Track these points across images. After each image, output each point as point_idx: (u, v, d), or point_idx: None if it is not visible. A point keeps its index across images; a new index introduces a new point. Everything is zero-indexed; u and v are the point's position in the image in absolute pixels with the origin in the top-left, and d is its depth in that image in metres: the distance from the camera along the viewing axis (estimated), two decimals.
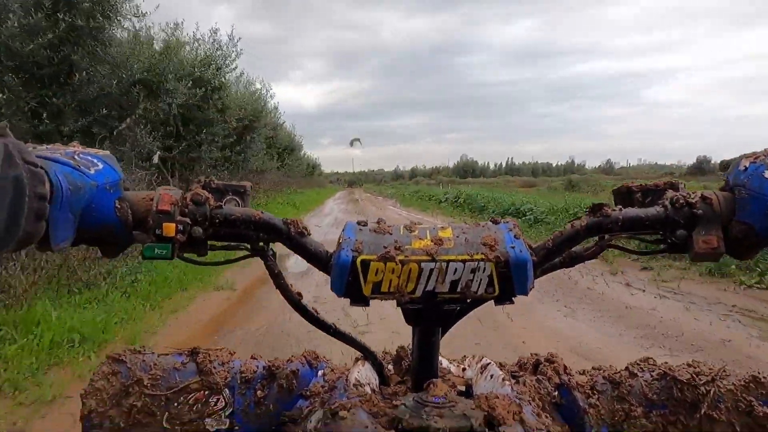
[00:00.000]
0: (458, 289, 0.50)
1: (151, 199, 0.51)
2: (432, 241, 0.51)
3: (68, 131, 5.87)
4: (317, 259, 0.56)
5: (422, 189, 28.42)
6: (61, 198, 0.41)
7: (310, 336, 3.13)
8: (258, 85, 15.02)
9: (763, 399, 0.60)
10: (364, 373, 0.64)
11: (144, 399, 0.63)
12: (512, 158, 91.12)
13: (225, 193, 0.59)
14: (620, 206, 0.56)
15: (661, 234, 0.56)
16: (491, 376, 0.62)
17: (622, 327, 3.80)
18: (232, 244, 0.59)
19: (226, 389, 0.66)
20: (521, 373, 0.70)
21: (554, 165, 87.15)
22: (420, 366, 0.60)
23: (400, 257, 0.49)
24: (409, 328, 0.60)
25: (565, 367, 0.68)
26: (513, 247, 0.51)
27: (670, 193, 0.55)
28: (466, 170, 72.13)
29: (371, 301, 0.51)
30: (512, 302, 0.52)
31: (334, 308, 3.62)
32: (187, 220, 0.51)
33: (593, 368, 0.70)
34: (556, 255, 0.56)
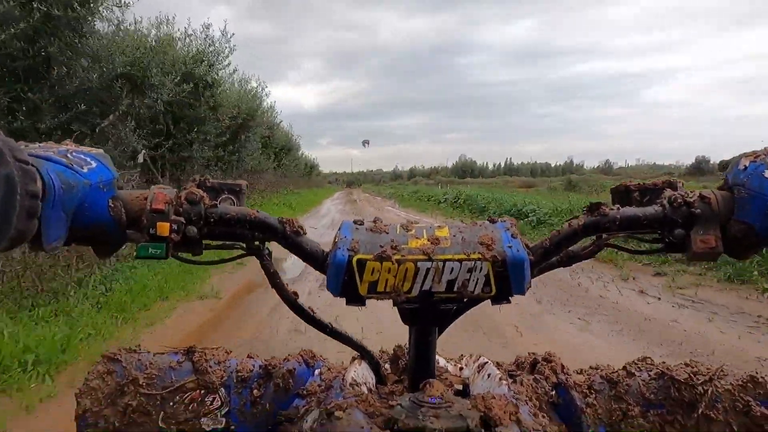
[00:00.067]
0: (455, 289, 0.49)
1: (145, 198, 0.51)
2: (429, 240, 0.51)
3: (45, 128, 5.50)
4: (313, 258, 0.55)
5: (421, 189, 28.04)
6: (53, 196, 0.41)
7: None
8: (254, 84, 14.67)
9: (761, 399, 0.60)
10: (360, 373, 0.63)
11: (139, 398, 0.63)
12: (511, 158, 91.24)
13: (220, 191, 0.58)
14: (618, 205, 0.56)
15: (659, 233, 0.55)
16: (488, 376, 0.61)
17: (645, 343, 3.44)
18: (228, 243, 0.58)
19: (222, 388, 0.65)
20: (518, 372, 0.70)
21: (553, 165, 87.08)
22: (417, 365, 0.59)
23: (397, 256, 0.49)
24: (405, 328, 0.59)
25: (563, 367, 0.68)
26: (510, 247, 0.50)
27: (668, 193, 0.55)
28: (465, 170, 71.97)
29: (368, 301, 0.51)
30: (509, 302, 0.51)
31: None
32: (182, 219, 0.51)
33: (591, 367, 0.69)
34: (554, 254, 0.56)
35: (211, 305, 4.31)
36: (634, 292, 4.88)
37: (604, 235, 0.57)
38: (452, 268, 0.49)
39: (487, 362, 0.65)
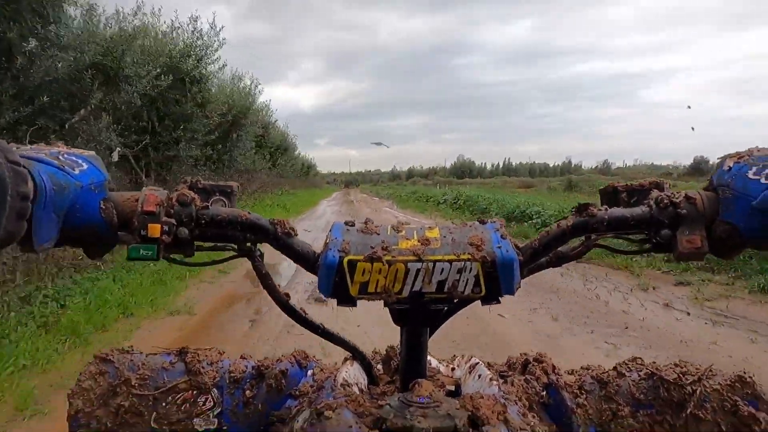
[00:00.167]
0: (445, 289, 0.50)
1: (136, 200, 0.51)
2: (419, 241, 0.51)
3: (6, 122, 4.97)
4: (304, 259, 0.55)
5: (419, 190, 27.47)
6: (44, 198, 0.41)
7: None
8: (247, 81, 14.14)
9: (749, 399, 0.60)
10: (352, 373, 0.63)
11: (131, 399, 0.63)
12: (509, 159, 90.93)
13: (212, 193, 0.58)
14: (606, 206, 0.56)
15: (646, 233, 0.55)
16: (479, 376, 0.61)
17: None
18: (219, 245, 0.58)
19: (215, 389, 0.65)
20: (510, 372, 0.71)
21: (551, 165, 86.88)
22: (408, 366, 0.59)
23: (387, 257, 0.49)
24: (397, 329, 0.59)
25: (554, 367, 0.68)
26: (499, 247, 0.50)
27: (654, 193, 0.55)
28: (463, 171, 71.61)
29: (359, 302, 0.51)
30: (498, 302, 0.51)
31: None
32: (173, 221, 0.51)
33: (582, 368, 0.69)
34: (543, 255, 0.56)
35: (181, 323, 3.77)
36: (658, 306, 4.37)
37: (593, 236, 0.58)
38: (442, 269, 0.49)
39: (478, 363, 0.65)
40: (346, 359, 0.67)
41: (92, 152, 0.53)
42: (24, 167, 0.38)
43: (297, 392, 0.66)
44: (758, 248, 0.52)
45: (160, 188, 0.52)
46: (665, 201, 0.53)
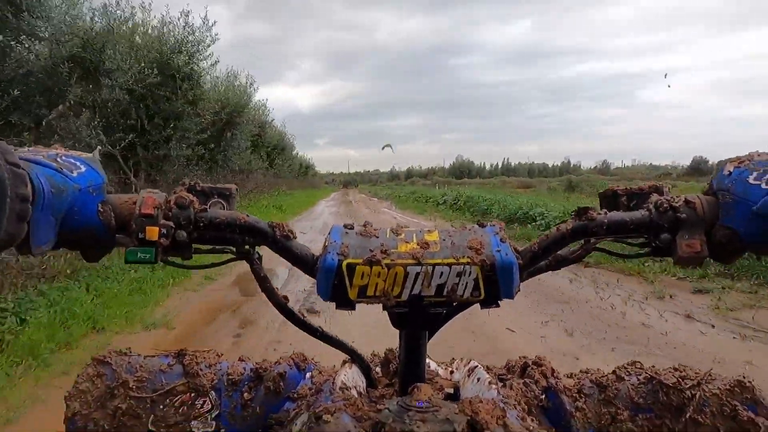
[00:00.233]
0: (444, 293, 0.49)
1: (134, 203, 0.51)
2: (418, 244, 0.51)
3: None
4: (303, 262, 0.54)
5: (418, 190, 27.08)
6: (42, 200, 0.41)
7: None
8: (243, 80, 13.78)
9: (748, 403, 0.60)
10: (351, 376, 0.62)
11: (129, 401, 0.62)
12: (508, 159, 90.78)
13: (210, 195, 0.58)
14: (605, 210, 0.55)
15: (646, 237, 0.55)
16: (478, 380, 0.61)
17: None
18: (218, 247, 0.57)
19: (213, 391, 0.65)
20: (509, 376, 0.70)
21: (550, 165, 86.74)
22: (407, 369, 0.58)
23: (386, 261, 0.49)
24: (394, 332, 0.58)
25: (553, 371, 0.68)
26: (499, 251, 0.50)
27: (654, 197, 0.55)
28: (462, 171, 71.37)
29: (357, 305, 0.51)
30: (498, 305, 0.51)
31: None
32: (171, 223, 0.51)
33: (581, 371, 0.70)
34: (542, 258, 0.55)
35: (156, 339, 3.41)
36: (679, 318, 4.02)
37: (593, 240, 0.57)
38: (441, 272, 0.49)
39: (477, 366, 0.64)
40: (344, 362, 0.66)
41: (90, 155, 0.53)
42: (23, 169, 0.38)
43: (295, 395, 0.66)
44: (758, 253, 0.51)
45: (158, 191, 0.52)
46: (665, 205, 0.52)
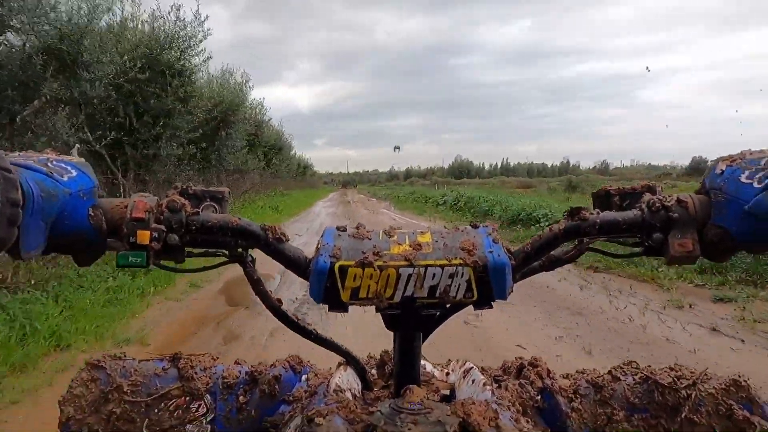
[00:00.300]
0: (437, 294, 0.49)
1: (125, 207, 0.51)
2: (410, 246, 0.51)
3: None
4: (296, 265, 0.54)
5: (417, 190, 26.71)
6: (32, 205, 0.41)
7: None
8: (238, 78, 13.44)
9: (743, 402, 0.60)
10: (345, 378, 0.62)
11: (123, 405, 0.62)
12: (507, 159, 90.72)
13: (202, 199, 0.58)
14: (597, 210, 0.55)
15: (639, 237, 0.55)
16: (473, 381, 0.60)
17: None
18: (211, 250, 0.57)
19: (208, 395, 0.65)
20: (505, 377, 0.70)
21: (549, 165, 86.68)
22: (401, 371, 0.58)
23: (378, 263, 0.49)
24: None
25: (549, 371, 0.68)
26: (491, 252, 0.50)
27: (647, 197, 0.55)
28: (461, 171, 71.22)
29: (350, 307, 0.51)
30: (491, 306, 0.51)
31: None
32: (162, 227, 0.51)
33: (577, 372, 0.69)
34: (535, 259, 0.55)
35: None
36: (704, 331, 3.68)
37: (586, 240, 0.57)
38: (434, 274, 0.49)
39: (472, 368, 0.64)
40: (339, 364, 0.65)
41: (81, 159, 0.53)
42: (13, 174, 0.38)
43: (291, 398, 0.65)
44: (750, 252, 0.52)
45: (150, 194, 0.52)
46: (657, 205, 0.52)
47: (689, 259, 0.51)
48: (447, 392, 0.63)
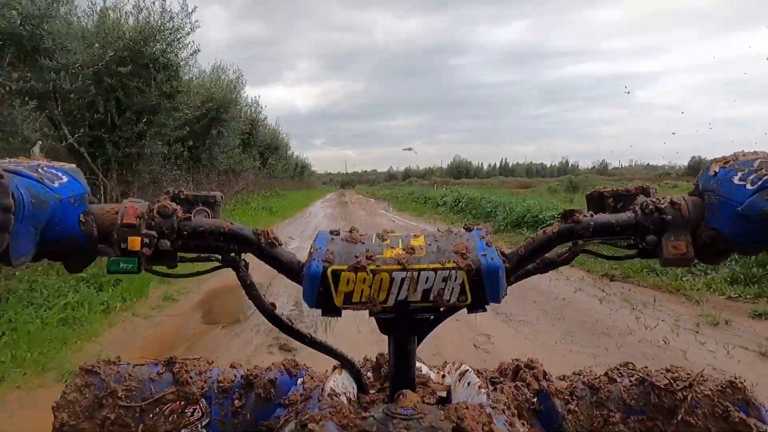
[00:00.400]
0: (430, 298, 0.49)
1: (116, 212, 0.51)
2: (404, 249, 0.51)
3: None
4: (289, 269, 0.54)
5: (417, 190, 26.13)
6: (22, 211, 0.41)
7: None
8: (231, 75, 12.92)
9: (740, 404, 0.60)
10: (340, 382, 0.61)
11: (118, 411, 0.62)
12: (506, 159, 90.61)
13: (194, 204, 0.57)
14: (591, 212, 0.55)
15: (632, 239, 0.55)
16: (468, 384, 0.60)
17: None
18: (203, 255, 0.57)
19: (203, 399, 0.65)
20: (501, 379, 0.70)
21: (548, 166, 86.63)
22: (396, 374, 0.57)
23: (371, 267, 0.49)
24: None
25: (545, 373, 0.68)
26: (485, 255, 0.50)
27: (640, 199, 0.55)
28: (460, 171, 70.97)
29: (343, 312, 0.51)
30: (485, 310, 0.51)
31: None
32: (154, 233, 0.51)
33: (573, 373, 0.69)
34: (529, 261, 0.55)
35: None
36: (753, 356, 3.18)
37: (580, 242, 0.57)
38: (427, 278, 0.49)
39: (468, 370, 0.63)
40: (335, 368, 0.65)
41: (73, 165, 0.53)
42: (3, 180, 0.38)
43: (286, 401, 0.65)
44: (743, 254, 0.52)
45: (141, 200, 0.52)
46: (650, 207, 0.52)
47: (683, 261, 0.51)
48: (443, 394, 0.63)
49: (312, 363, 0.75)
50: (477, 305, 0.50)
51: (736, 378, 0.61)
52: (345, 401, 0.56)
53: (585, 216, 0.53)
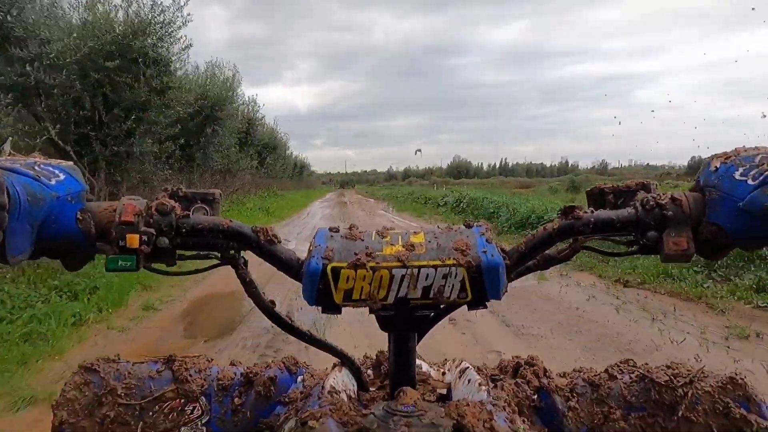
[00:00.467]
0: (430, 295, 0.49)
1: (114, 210, 0.51)
2: (403, 246, 0.51)
3: None
4: (288, 267, 0.54)
5: (417, 190, 25.79)
6: (18, 209, 0.41)
7: None
8: (227, 72, 12.59)
9: (741, 401, 0.59)
10: (340, 380, 0.61)
11: (117, 409, 0.62)
12: (506, 159, 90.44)
13: (193, 201, 0.57)
14: (592, 208, 0.55)
15: (633, 235, 0.55)
16: (469, 381, 0.60)
17: None
18: (202, 253, 0.57)
19: (203, 397, 0.65)
20: (501, 376, 0.70)
21: (548, 165, 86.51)
22: (397, 372, 0.58)
23: (371, 264, 0.48)
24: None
25: (545, 370, 0.68)
26: (485, 252, 0.50)
27: (641, 195, 0.55)
28: (460, 171, 70.78)
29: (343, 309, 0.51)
30: (485, 307, 0.51)
31: None
32: (152, 230, 0.51)
33: (574, 370, 0.69)
34: (530, 258, 0.55)
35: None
36: None
37: (580, 238, 0.57)
38: (427, 275, 0.49)
39: (468, 367, 0.64)
40: (335, 365, 0.65)
41: (70, 162, 0.52)
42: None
43: (286, 399, 0.65)
44: (744, 249, 0.52)
45: (139, 197, 0.52)
46: (651, 203, 0.52)
47: (684, 258, 0.51)
48: (444, 392, 0.63)
49: (311, 362, 0.73)
50: (477, 302, 0.50)
51: (736, 374, 0.61)
52: (345, 399, 0.56)
53: (585, 212, 0.53)
